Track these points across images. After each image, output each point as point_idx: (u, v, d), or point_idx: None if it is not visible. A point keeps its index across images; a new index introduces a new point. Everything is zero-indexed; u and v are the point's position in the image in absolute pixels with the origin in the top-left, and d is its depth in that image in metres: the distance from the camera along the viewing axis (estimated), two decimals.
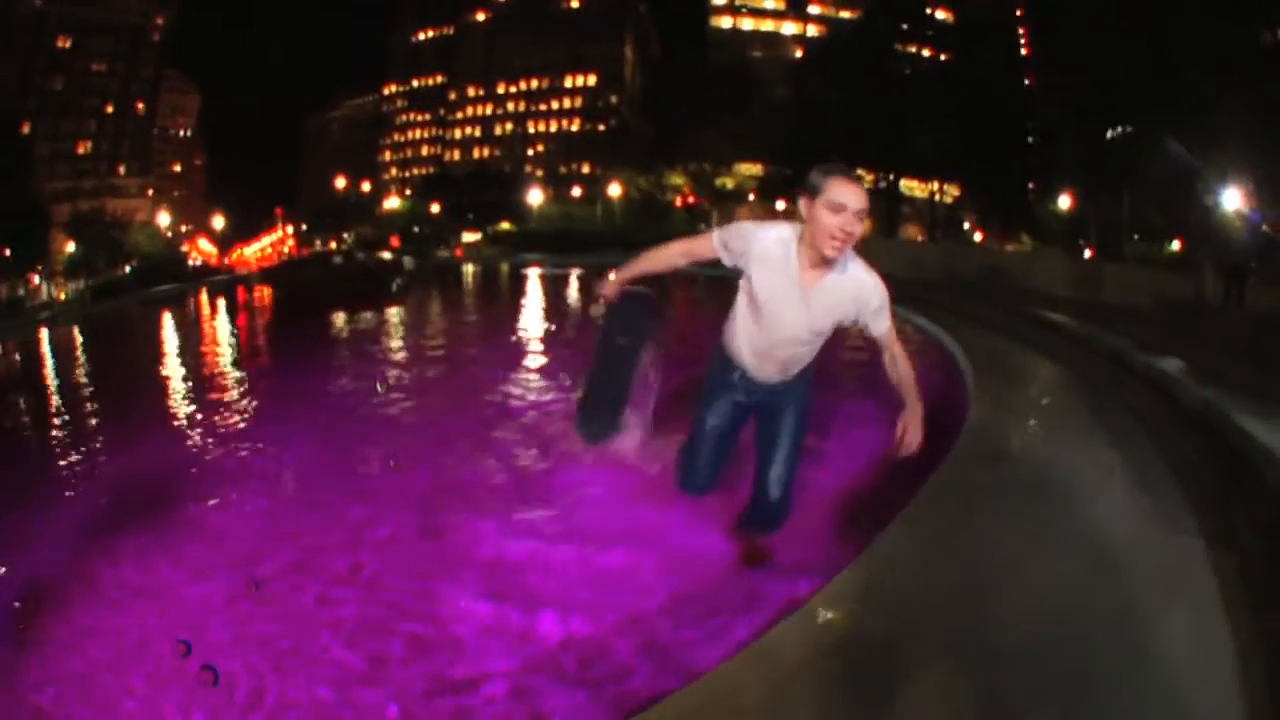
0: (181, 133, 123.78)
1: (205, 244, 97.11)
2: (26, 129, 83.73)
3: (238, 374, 9.60)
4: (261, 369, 10.25)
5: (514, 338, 11.64)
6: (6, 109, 75.36)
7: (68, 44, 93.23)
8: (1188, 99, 24.01)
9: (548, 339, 11.62)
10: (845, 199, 2.72)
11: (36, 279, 63.45)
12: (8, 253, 56.16)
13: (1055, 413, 5.78)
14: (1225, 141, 22.64)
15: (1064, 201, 41.30)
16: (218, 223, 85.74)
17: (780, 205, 48.97)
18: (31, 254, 59.86)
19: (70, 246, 68.55)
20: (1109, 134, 33.90)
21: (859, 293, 2.95)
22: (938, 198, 58.66)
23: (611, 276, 3.55)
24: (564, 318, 14.78)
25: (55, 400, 8.96)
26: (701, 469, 3.42)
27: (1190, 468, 4.08)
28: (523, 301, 19.38)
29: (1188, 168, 23.61)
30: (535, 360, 9.41)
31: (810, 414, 3.37)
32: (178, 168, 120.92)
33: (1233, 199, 21.54)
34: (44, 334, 16.18)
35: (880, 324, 3.00)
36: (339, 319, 14.97)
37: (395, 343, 11.83)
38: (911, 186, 63.39)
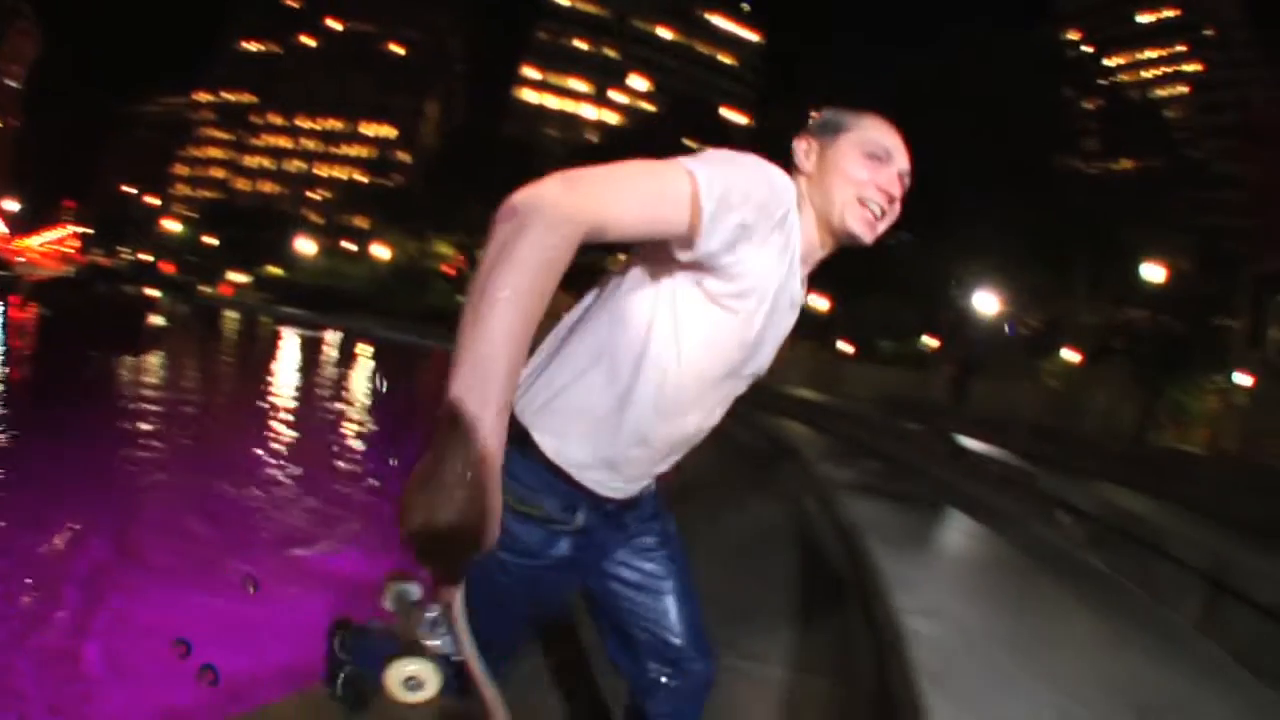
0: (12, 83, 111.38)
1: None
2: None
3: None
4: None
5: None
6: None
7: None
8: (952, 212, 25.91)
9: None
10: (890, 143, 1.51)
11: None
12: None
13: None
14: (986, 251, 24.56)
15: (822, 302, 43.54)
16: (10, 204, 78.32)
17: None
18: None
19: None
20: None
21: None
22: None
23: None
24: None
25: None
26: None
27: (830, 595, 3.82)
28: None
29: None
30: None
31: None
32: None
33: (986, 302, 23.35)
34: None
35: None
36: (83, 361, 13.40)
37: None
38: None
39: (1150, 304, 27.22)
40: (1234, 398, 19.34)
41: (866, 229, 1.50)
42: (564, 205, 1.09)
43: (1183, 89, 77.21)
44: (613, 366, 1.42)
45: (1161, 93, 73.49)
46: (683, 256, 1.30)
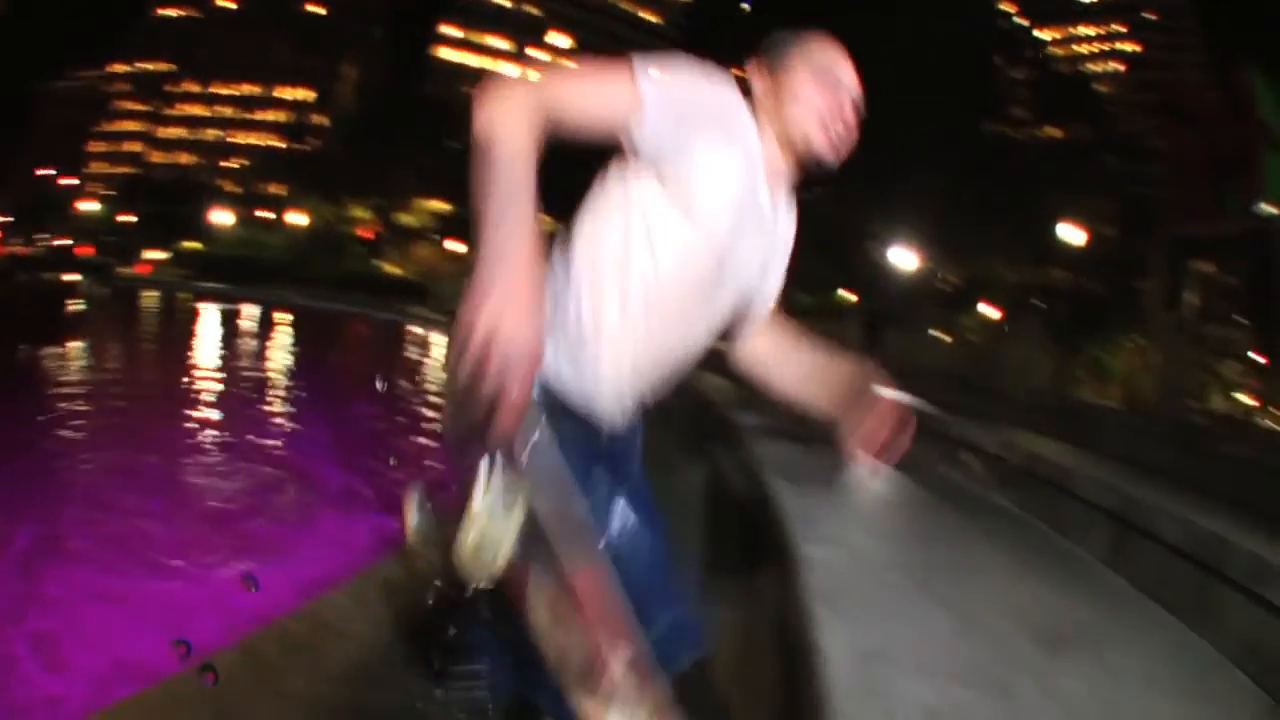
0: None
1: None
2: None
3: None
4: None
5: None
6: None
7: None
8: (874, 169, 26.25)
9: None
10: (840, 69, 1.59)
11: None
12: None
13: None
14: (907, 208, 24.87)
15: None
16: None
17: (454, 246, 48.50)
18: None
19: None
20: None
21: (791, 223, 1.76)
22: None
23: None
24: None
25: None
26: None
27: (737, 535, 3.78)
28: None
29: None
30: None
31: None
32: None
33: (904, 258, 23.75)
34: None
35: (777, 282, 1.82)
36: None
37: None
38: None
39: (1071, 265, 27.99)
40: (1150, 356, 20.00)
41: (829, 150, 1.60)
42: (525, 90, 1.34)
43: (1118, 66, 79.31)
44: (595, 285, 1.47)
45: (1095, 68, 75.43)
46: (636, 153, 1.45)
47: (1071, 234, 25.61)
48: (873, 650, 1.86)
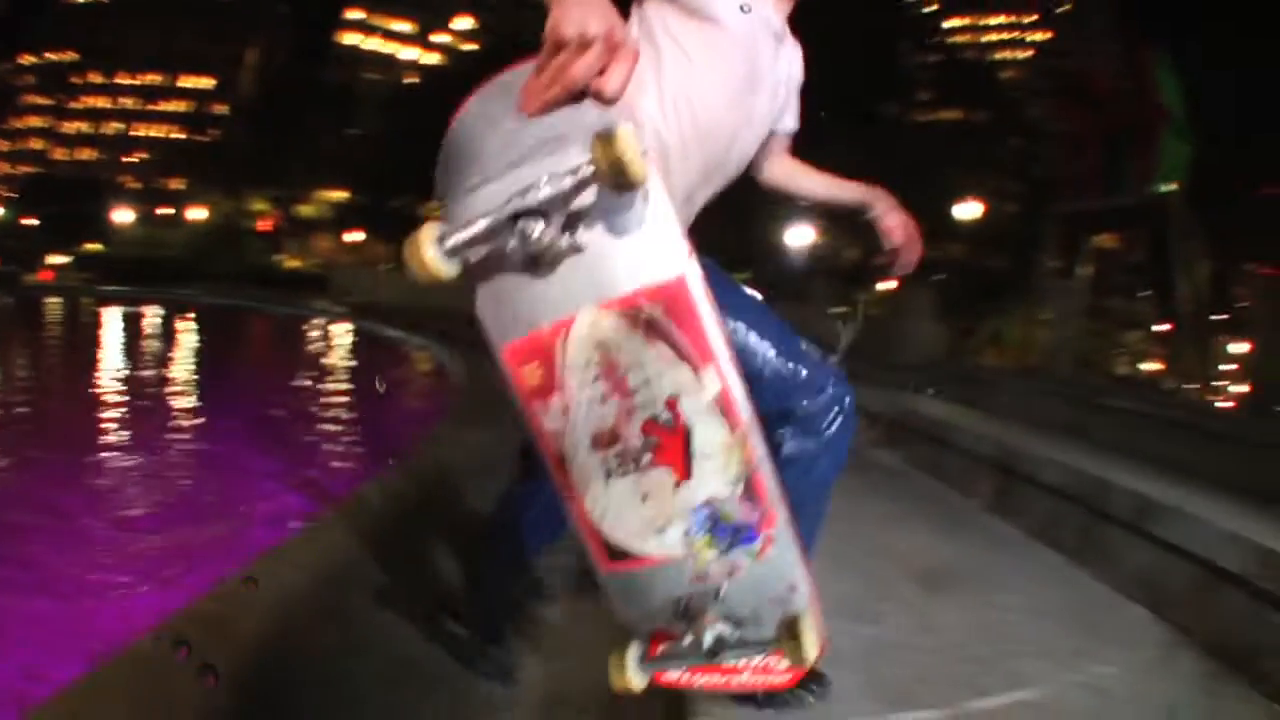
0: None
1: None
2: None
3: None
4: None
5: None
6: None
7: None
8: None
9: None
10: None
11: None
12: None
13: None
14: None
15: None
16: None
17: (352, 236, 47.68)
18: None
19: None
20: None
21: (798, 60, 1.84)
22: None
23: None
24: None
25: None
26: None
27: None
28: None
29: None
30: None
31: None
32: None
33: (801, 235, 24.10)
34: None
35: (794, 117, 1.94)
36: None
37: None
38: None
39: (970, 241, 28.73)
40: (1049, 325, 20.69)
41: None
42: None
43: (1026, 53, 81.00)
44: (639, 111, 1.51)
45: (1004, 54, 76.93)
46: None
47: (971, 211, 26.29)
48: None
